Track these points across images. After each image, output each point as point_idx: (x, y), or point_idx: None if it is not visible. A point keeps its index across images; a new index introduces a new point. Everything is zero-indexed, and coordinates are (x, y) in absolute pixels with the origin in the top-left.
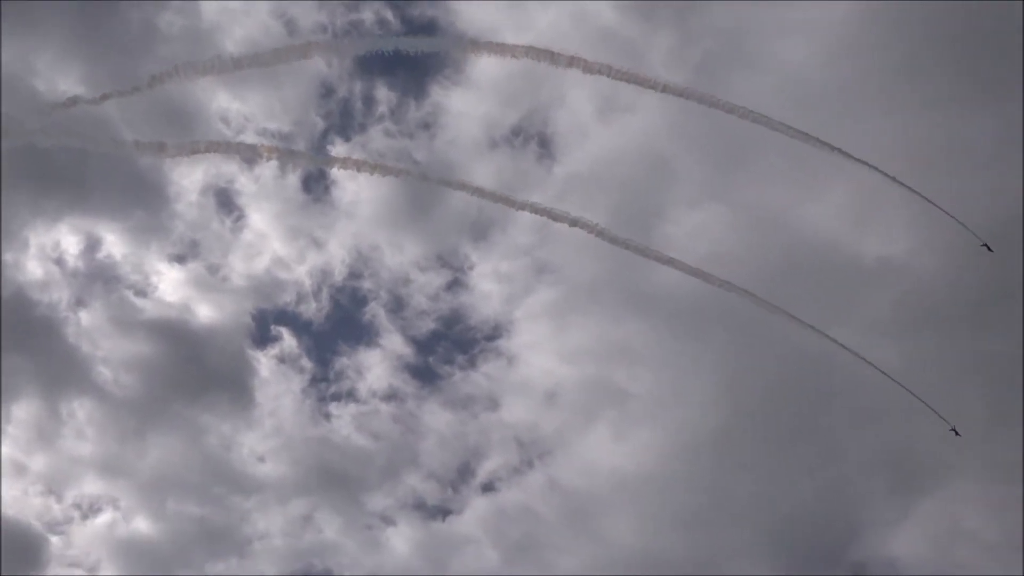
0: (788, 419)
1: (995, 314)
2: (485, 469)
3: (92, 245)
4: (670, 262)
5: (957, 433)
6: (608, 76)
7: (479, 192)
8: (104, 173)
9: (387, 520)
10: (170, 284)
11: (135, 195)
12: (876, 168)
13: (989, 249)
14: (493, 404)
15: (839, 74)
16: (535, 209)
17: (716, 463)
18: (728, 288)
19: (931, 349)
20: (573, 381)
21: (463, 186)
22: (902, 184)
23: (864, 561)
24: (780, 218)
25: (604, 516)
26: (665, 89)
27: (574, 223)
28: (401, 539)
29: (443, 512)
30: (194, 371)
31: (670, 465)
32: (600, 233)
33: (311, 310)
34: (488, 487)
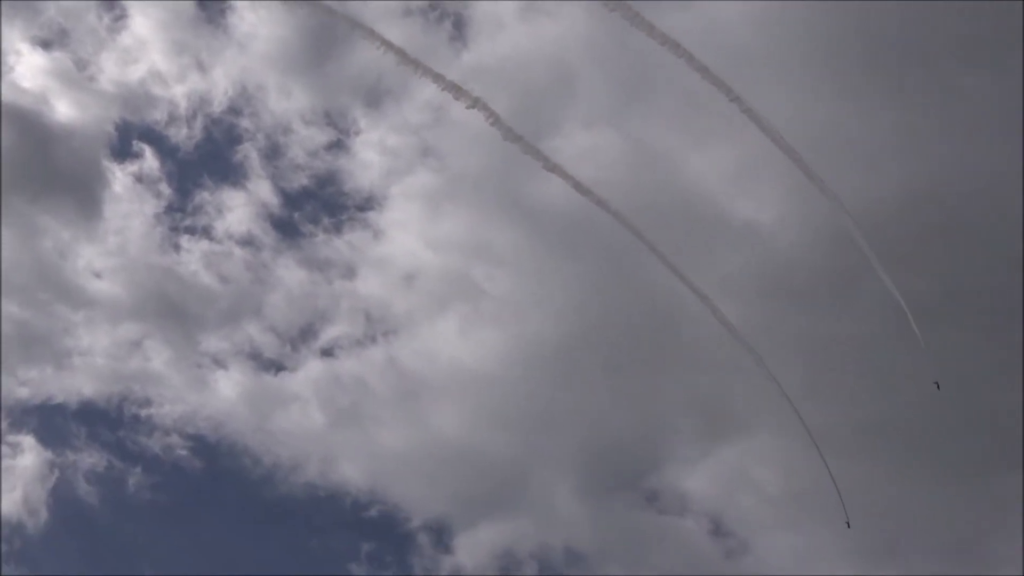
0: (624, 349)
1: (845, 300)
2: (328, 334)
3: None
4: (555, 168)
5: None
6: None
7: (387, 46)
8: None
9: (219, 363)
10: (29, 69)
11: None
12: (766, 129)
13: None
14: (350, 273)
15: (765, 40)
16: (441, 81)
17: (548, 376)
18: (603, 207)
19: (775, 318)
20: (434, 269)
21: (372, 35)
22: (787, 152)
23: (658, 490)
24: (665, 159)
25: (433, 403)
26: None
27: (474, 104)
28: (229, 384)
29: (277, 367)
30: (40, 168)
31: (506, 369)
32: (496, 122)
33: (181, 135)
34: (327, 352)
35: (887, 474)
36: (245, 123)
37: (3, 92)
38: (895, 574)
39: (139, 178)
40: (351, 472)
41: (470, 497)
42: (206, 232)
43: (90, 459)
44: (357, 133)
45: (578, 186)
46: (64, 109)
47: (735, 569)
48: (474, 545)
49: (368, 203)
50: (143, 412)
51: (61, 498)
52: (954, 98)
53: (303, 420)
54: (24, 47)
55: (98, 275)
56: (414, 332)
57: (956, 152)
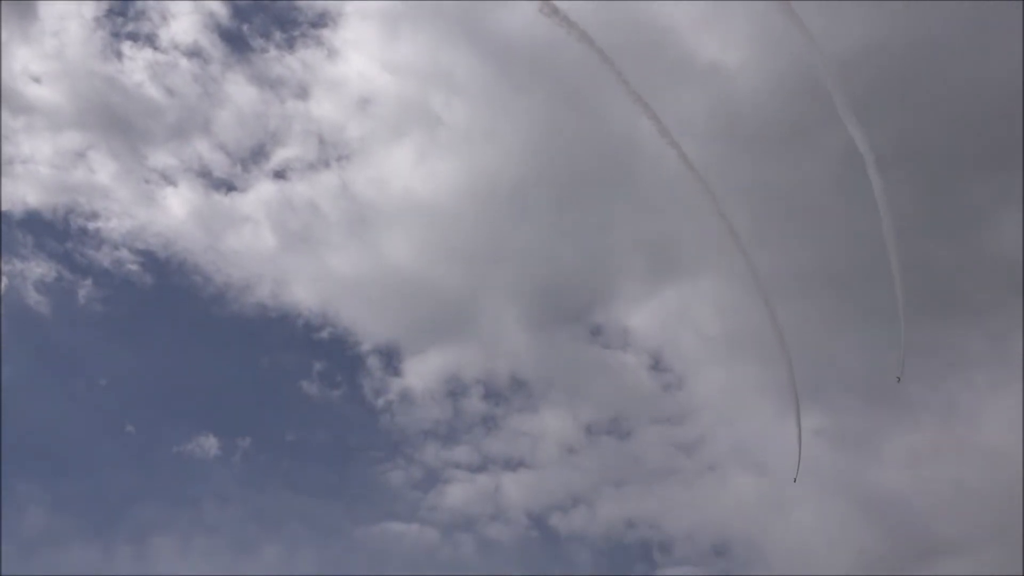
0: (579, 187)
1: (798, 149)
2: (280, 156)
3: None
4: None
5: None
6: None
7: None
8: None
9: (168, 179)
10: None
11: None
12: None
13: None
14: (303, 93)
15: None
16: None
17: (501, 209)
18: (571, 28)
19: (727, 163)
20: (390, 93)
21: None
22: None
23: (602, 325)
24: None
25: (385, 231)
26: None
27: None
28: (179, 201)
29: (228, 187)
30: None
31: (460, 200)
32: None
33: None
34: (279, 174)
35: (820, 318)
36: None
37: None
38: (818, 411)
39: None
40: (302, 295)
41: (420, 324)
42: (150, 40)
43: (39, 269)
44: None
45: (546, 7)
46: None
47: (671, 401)
48: (423, 370)
49: (322, 20)
50: (91, 225)
51: (11, 305)
52: None
53: (254, 241)
54: None
55: (36, 79)
56: (368, 159)
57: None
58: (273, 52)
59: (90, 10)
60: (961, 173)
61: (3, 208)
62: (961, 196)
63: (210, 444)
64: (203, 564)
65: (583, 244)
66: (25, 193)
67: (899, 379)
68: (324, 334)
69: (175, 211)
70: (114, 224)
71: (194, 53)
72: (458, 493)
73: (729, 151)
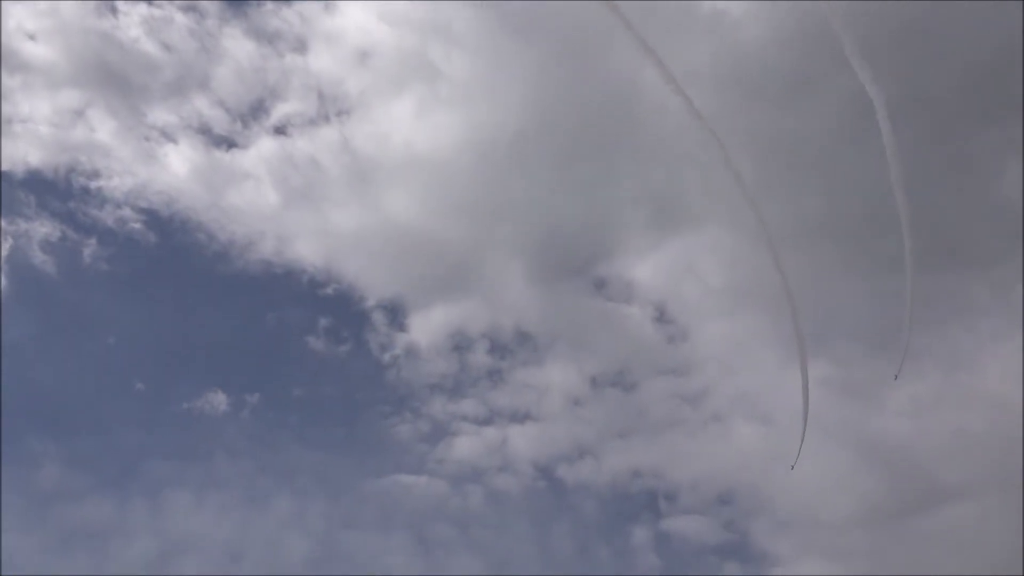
0: (582, 138)
1: (804, 98)
2: (280, 112)
3: None
4: None
5: None
6: None
7: None
8: None
9: (167, 136)
10: None
11: None
12: None
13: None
14: (301, 47)
15: None
16: None
17: (504, 163)
18: None
19: (732, 112)
20: (389, 46)
21: None
22: None
23: (606, 278)
24: None
25: (388, 187)
26: None
27: None
28: (180, 159)
29: (228, 143)
30: None
31: (461, 154)
32: None
33: None
34: (280, 130)
35: (825, 268)
36: None
37: None
38: (823, 361)
39: None
40: (306, 251)
41: (423, 279)
42: None
43: (43, 229)
44: None
45: None
46: None
47: (676, 353)
48: (427, 325)
49: None
50: (92, 184)
51: (17, 265)
52: None
53: (256, 198)
54: None
55: (32, 37)
56: (368, 113)
57: None
58: (270, 5)
59: None
60: (968, 122)
61: (5, 168)
62: (967, 145)
63: (219, 400)
64: (217, 517)
65: (587, 196)
66: (26, 152)
67: (896, 377)
68: (329, 290)
69: (176, 169)
70: (116, 183)
71: (189, 7)
72: (466, 446)
73: (734, 100)
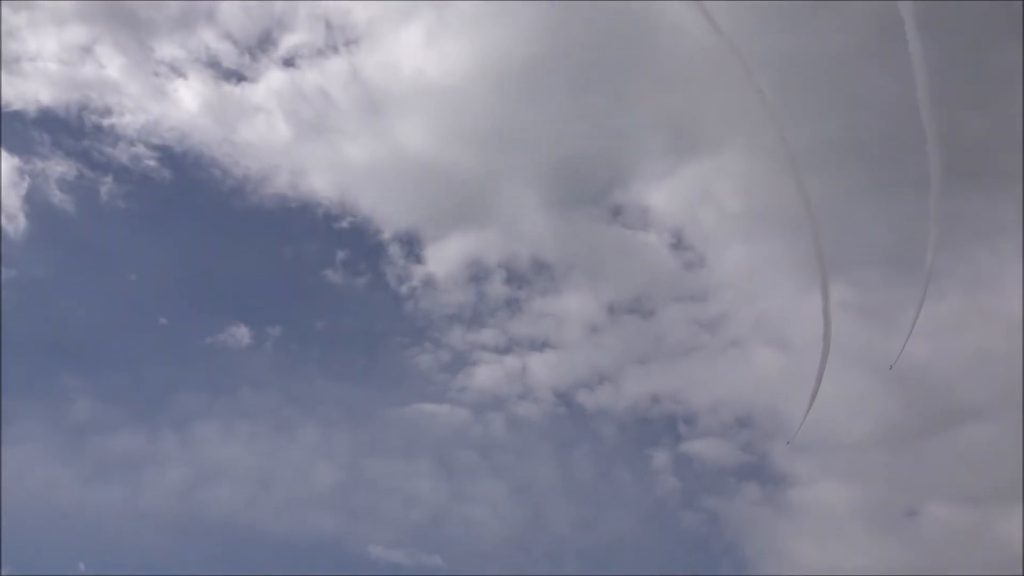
0: (597, 63)
1: (832, 12)
2: (288, 43)
3: None
4: None
5: None
6: None
7: None
8: None
9: (176, 71)
10: None
11: None
12: None
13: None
14: None
15: None
16: None
17: (517, 89)
18: None
19: (750, 32)
20: None
21: None
22: None
23: (622, 205)
24: None
25: (399, 117)
26: None
27: None
28: (190, 94)
29: (237, 77)
30: None
31: (473, 82)
32: None
33: None
34: (288, 62)
35: (845, 191)
36: None
37: None
38: (843, 284)
39: None
40: (320, 184)
41: (438, 210)
42: None
43: (59, 167)
44: None
45: None
46: None
47: (693, 279)
48: (444, 255)
49: None
50: (105, 121)
51: (37, 204)
52: None
53: (268, 132)
54: None
55: None
56: (377, 42)
57: None
58: None
59: None
60: (994, 38)
61: (17, 107)
62: (993, 61)
63: (242, 334)
64: (246, 446)
65: (601, 122)
66: (37, 91)
67: (891, 367)
68: (344, 223)
69: (187, 104)
70: (128, 120)
71: None
72: (486, 374)
73: (752, 18)
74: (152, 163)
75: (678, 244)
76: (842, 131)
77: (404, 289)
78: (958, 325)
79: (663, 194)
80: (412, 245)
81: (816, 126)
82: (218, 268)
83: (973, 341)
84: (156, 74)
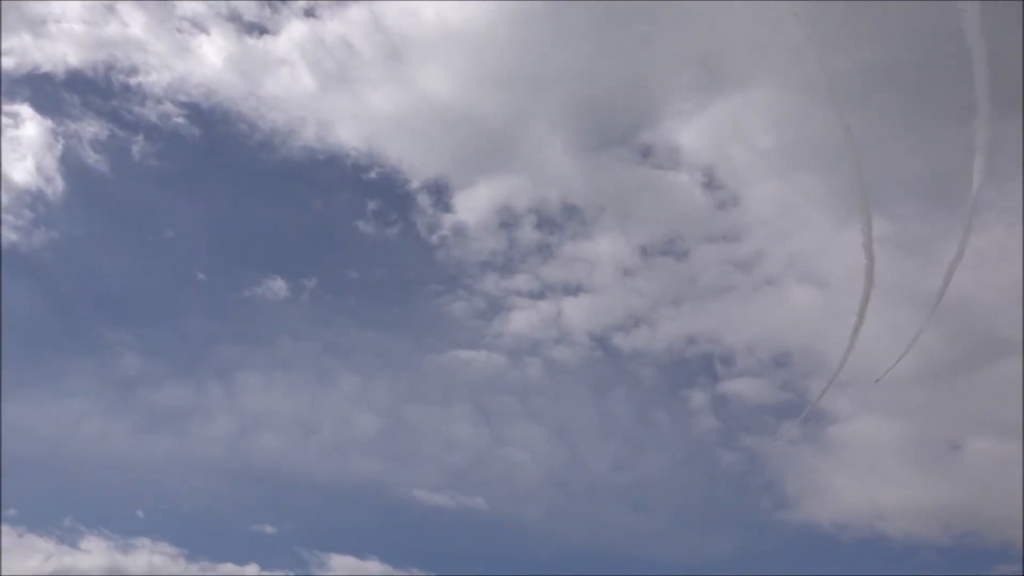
0: None
1: None
2: None
3: None
4: None
5: None
6: None
7: None
8: None
9: (199, 27)
10: None
11: None
12: None
13: None
14: None
15: None
16: None
17: (540, 30)
18: None
19: None
20: None
21: None
22: None
23: (652, 145)
24: None
25: (422, 63)
26: None
27: None
28: (214, 49)
29: (260, 29)
30: None
31: (496, 24)
32: None
33: None
34: (309, 13)
35: (881, 122)
36: None
37: None
38: (881, 218)
39: None
40: (347, 135)
41: (466, 157)
42: None
43: (91, 128)
44: None
45: None
46: None
47: (726, 218)
48: (473, 203)
49: None
50: (132, 80)
51: (72, 166)
52: None
53: (293, 85)
54: None
55: None
56: None
57: None
58: None
59: None
60: None
61: (46, 69)
62: None
63: (278, 286)
64: (288, 395)
65: (628, 61)
66: (64, 53)
67: (877, 380)
68: (373, 174)
69: (211, 60)
70: (154, 78)
71: None
72: (521, 320)
73: None
74: (181, 120)
75: (710, 183)
76: (879, 58)
77: (435, 238)
78: (1000, 258)
79: (693, 132)
80: (440, 194)
81: (852, 55)
82: (251, 222)
83: (1015, 274)
84: (179, 30)
